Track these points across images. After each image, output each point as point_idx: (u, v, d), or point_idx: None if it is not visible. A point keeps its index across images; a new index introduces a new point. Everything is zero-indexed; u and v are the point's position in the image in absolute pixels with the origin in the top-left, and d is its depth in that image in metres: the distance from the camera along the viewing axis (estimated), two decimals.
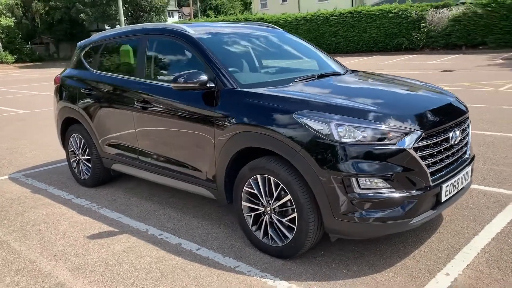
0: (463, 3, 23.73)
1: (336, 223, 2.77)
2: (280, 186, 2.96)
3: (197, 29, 3.87)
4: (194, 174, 3.62)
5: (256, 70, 4.07)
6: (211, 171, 3.46)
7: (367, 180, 2.68)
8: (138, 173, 4.25)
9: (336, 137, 2.70)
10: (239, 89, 3.30)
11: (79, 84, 4.75)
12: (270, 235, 3.12)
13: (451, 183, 2.97)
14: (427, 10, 24.38)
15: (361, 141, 2.69)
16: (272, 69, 4.21)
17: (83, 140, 4.79)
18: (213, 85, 3.36)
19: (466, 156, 3.26)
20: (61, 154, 6.37)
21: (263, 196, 3.10)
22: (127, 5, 37.00)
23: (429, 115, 2.94)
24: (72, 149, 5.00)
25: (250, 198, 3.21)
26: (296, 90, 3.31)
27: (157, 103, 3.80)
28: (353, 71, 4.19)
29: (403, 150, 2.70)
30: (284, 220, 3.00)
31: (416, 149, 2.74)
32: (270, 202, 3.07)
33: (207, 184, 3.55)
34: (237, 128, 3.15)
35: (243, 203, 3.25)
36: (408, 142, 2.72)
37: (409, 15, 24.78)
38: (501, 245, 3.14)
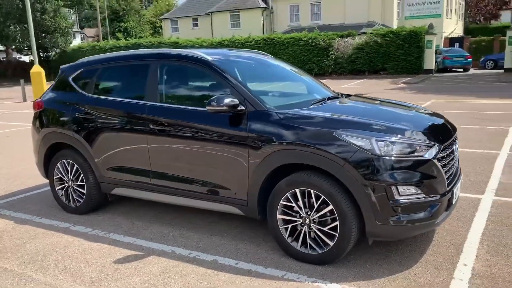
0: (364, 33, 26.21)
1: (377, 227, 3.17)
2: (322, 198, 3.29)
3: (212, 55, 4.10)
4: (222, 193, 3.80)
5: (267, 93, 4.38)
6: (242, 188, 3.67)
7: (404, 187, 3.13)
8: (149, 195, 4.29)
9: (377, 152, 3.13)
10: (272, 111, 3.59)
11: (71, 109, 4.65)
12: (309, 244, 3.41)
13: (456, 188, 3.55)
14: (333, 39, 26.49)
15: (397, 154, 3.15)
16: (279, 92, 4.52)
17: (75, 166, 4.66)
18: (243, 108, 3.62)
19: (458, 166, 3.89)
20: (26, 182, 6.05)
21: (302, 208, 3.39)
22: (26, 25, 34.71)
23: (440, 131, 3.52)
24: (60, 175, 4.83)
25: (286, 211, 3.49)
26: (324, 111, 3.70)
27: (178, 126, 3.92)
28: (346, 95, 4.67)
29: (430, 160, 3.20)
30: (325, 228, 3.33)
31: (438, 160, 3.27)
32: (309, 213, 3.38)
33: (236, 201, 3.75)
34: (275, 147, 3.43)
35: (278, 216, 3.51)
36: (433, 154, 3.23)
37: (318, 43, 26.69)
38: (492, 238, 3.77)
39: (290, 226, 3.49)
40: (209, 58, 4.02)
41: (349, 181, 3.17)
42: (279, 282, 3.20)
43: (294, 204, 3.44)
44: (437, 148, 3.29)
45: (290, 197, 3.44)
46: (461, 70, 27.18)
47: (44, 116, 4.90)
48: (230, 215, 4.25)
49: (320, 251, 3.38)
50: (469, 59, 26.39)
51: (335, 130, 3.27)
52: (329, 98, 4.24)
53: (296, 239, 3.49)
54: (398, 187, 3.12)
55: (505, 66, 23.01)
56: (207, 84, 4.12)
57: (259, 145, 3.51)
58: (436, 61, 25.82)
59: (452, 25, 34.59)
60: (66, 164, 4.74)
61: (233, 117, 3.65)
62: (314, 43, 26.77)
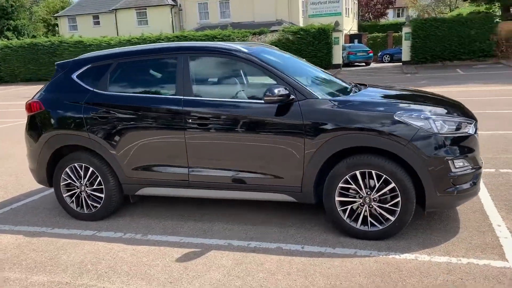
0: (276, 31, 27.12)
1: (437, 199, 3.52)
2: (383, 177, 3.54)
3: (246, 48, 4.12)
4: (274, 182, 3.87)
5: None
6: (296, 176, 3.79)
7: (457, 161, 3.51)
8: (186, 192, 4.18)
9: (435, 130, 3.47)
10: (325, 98, 3.75)
11: (82, 108, 4.33)
12: (370, 221, 3.65)
13: None
14: (247, 36, 26.99)
15: (450, 131, 3.52)
16: (311, 81, 4.55)
17: (90, 169, 4.36)
18: (293, 97, 3.73)
19: None
20: (9, 192, 5.49)
21: (363, 188, 3.62)
22: None
23: (468, 112, 3.96)
24: (68, 181, 4.47)
25: (344, 192, 3.69)
26: (366, 97, 3.95)
27: (224, 119, 3.90)
28: (361, 84, 4.91)
29: (472, 135, 3.63)
30: (386, 205, 3.59)
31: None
32: (369, 193, 3.61)
33: (289, 189, 3.86)
34: (334, 132, 3.60)
35: (337, 199, 3.70)
36: (473, 130, 3.66)
37: (232, 40, 26.98)
38: (503, 202, 4.34)
39: (349, 207, 3.69)
40: (247, 50, 4.05)
41: (412, 159, 3.47)
42: (356, 259, 3.40)
43: (353, 186, 3.64)
44: (475, 124, 3.73)
45: (349, 179, 3.64)
46: (363, 64, 29.43)
47: (45, 118, 4.49)
48: (254, 204, 4.36)
49: (381, 227, 3.63)
50: (370, 54, 28.71)
51: (394, 113, 3.54)
52: (355, 86, 4.50)
53: (355, 219, 3.70)
54: (454, 160, 3.49)
55: (403, 59, 25.42)
56: (246, 76, 4.13)
57: (316, 132, 3.65)
58: (342, 56, 27.64)
59: (350, 23, 37.22)
60: (78, 168, 4.41)
61: (284, 107, 3.74)
62: (228, 41, 26.99)
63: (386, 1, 43.75)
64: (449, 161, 3.47)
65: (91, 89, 4.38)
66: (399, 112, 3.56)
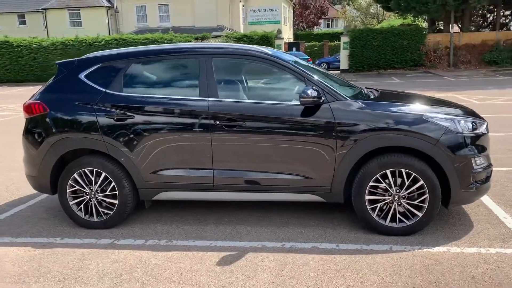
0: (219, 36, 27.15)
1: (461, 195, 3.77)
2: (412, 175, 3.74)
3: (269, 51, 4.16)
4: (304, 183, 3.92)
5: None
6: (327, 176, 3.87)
7: (477, 158, 3.79)
8: (210, 195, 4.11)
9: (460, 130, 3.73)
10: (354, 100, 3.88)
11: (94, 109, 4.10)
12: (399, 218, 3.83)
13: None
14: (190, 41, 26.73)
15: (471, 131, 3.80)
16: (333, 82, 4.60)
17: (103, 174, 4.14)
18: (324, 98, 3.83)
19: None
20: None
21: (392, 186, 3.79)
22: None
23: (475, 113, 4.28)
24: (77, 187, 4.20)
25: (373, 191, 3.83)
26: (388, 100, 4.13)
27: (254, 121, 3.89)
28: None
29: (485, 134, 3.93)
30: (415, 202, 3.78)
31: None
32: (398, 190, 3.79)
33: (319, 189, 3.93)
34: (366, 133, 3.74)
35: (366, 197, 3.84)
36: (486, 129, 3.97)
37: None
38: (498, 197, 4.72)
39: (379, 205, 3.84)
40: (271, 52, 4.08)
41: (440, 157, 3.69)
42: (395, 254, 3.54)
43: (384, 184, 3.79)
44: (486, 124, 4.04)
45: (379, 178, 3.79)
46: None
47: (50, 120, 4.19)
48: (275, 205, 4.40)
49: (409, 223, 3.82)
50: (309, 62, 29.56)
51: (423, 114, 3.75)
52: (370, 90, 4.67)
53: (384, 216, 3.85)
54: (475, 158, 3.76)
55: (341, 68, 26.51)
56: (272, 78, 4.16)
57: (348, 133, 3.77)
58: None
59: (287, 32, 38.16)
60: (89, 173, 4.16)
61: (316, 108, 3.82)
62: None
63: (319, 12, 45.45)
64: (472, 159, 3.74)
65: (103, 89, 4.17)
66: (427, 113, 3.77)
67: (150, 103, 4.06)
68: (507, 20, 28.56)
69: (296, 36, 43.30)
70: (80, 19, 32.92)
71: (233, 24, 31.74)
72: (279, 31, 26.93)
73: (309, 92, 3.68)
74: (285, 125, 3.87)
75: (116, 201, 4.17)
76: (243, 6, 32.89)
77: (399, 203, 3.82)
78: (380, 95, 4.39)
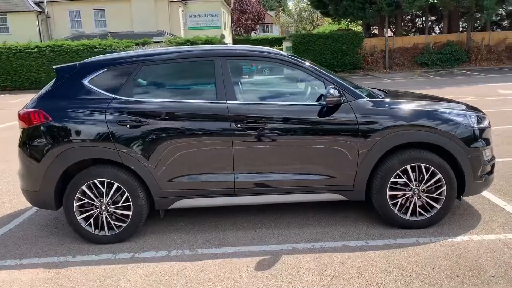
0: (162, 41, 26.62)
1: (473, 185, 3.99)
2: (431, 170, 3.90)
3: (282, 52, 4.16)
4: (326, 182, 3.95)
5: None
6: (349, 174, 3.93)
7: (485, 150, 4.04)
8: (231, 200, 4.01)
9: (471, 124, 3.95)
10: (375, 100, 3.98)
11: (104, 116, 3.87)
12: (419, 211, 3.97)
13: None
14: (131, 47, 25.95)
15: (479, 125, 4.03)
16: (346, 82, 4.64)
17: (115, 185, 3.91)
18: (344, 98, 3.90)
19: None
20: None
21: (413, 181, 3.93)
22: None
23: (475, 108, 4.55)
24: (85, 201, 3.93)
25: (393, 187, 3.95)
26: (403, 97, 4.26)
27: (277, 122, 3.87)
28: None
29: (489, 127, 4.19)
30: (434, 195, 3.95)
31: None
32: (418, 185, 3.94)
33: (341, 188, 3.98)
34: (388, 130, 3.84)
35: (388, 193, 3.95)
36: (488, 123, 4.23)
37: (114, 50, 25.68)
38: (491, 187, 5.03)
39: (399, 200, 3.96)
40: (286, 54, 4.09)
41: (456, 150, 3.88)
42: (425, 246, 3.67)
43: (404, 180, 3.92)
44: (487, 118, 4.31)
45: (400, 174, 3.91)
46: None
47: (54, 129, 3.89)
48: (286, 208, 4.44)
49: (428, 215, 3.98)
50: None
51: (438, 110, 3.93)
52: (379, 90, 4.79)
53: (405, 211, 3.98)
54: (485, 150, 4.00)
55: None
56: (288, 79, 4.15)
57: (369, 131, 3.85)
58: None
59: (227, 37, 38.23)
60: (99, 185, 3.91)
61: (337, 108, 3.87)
62: (110, 51, 25.61)
63: (256, 17, 46.02)
64: (482, 151, 3.98)
65: (111, 95, 3.94)
66: (441, 109, 3.96)
67: (166, 108, 3.89)
68: (434, 25, 30.59)
69: (234, 41, 43.49)
70: (6, 24, 30.74)
71: (173, 29, 31.24)
72: (223, 36, 26.95)
73: (333, 92, 3.73)
74: (307, 125, 3.88)
75: (129, 213, 3.95)
76: (183, 11, 32.51)
77: (419, 197, 3.95)
78: (389, 95, 4.53)
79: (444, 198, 3.94)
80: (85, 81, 4.00)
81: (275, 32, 59.59)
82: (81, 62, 4.17)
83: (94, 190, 3.92)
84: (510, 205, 4.47)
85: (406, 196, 3.96)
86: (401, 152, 3.90)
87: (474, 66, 25.25)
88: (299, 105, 3.97)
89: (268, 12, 55.20)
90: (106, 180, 3.89)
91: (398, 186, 3.95)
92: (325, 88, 3.92)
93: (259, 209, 4.57)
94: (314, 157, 3.92)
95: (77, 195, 3.91)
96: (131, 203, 3.93)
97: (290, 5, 52.56)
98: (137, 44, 26.50)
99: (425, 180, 3.92)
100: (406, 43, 26.79)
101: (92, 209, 3.95)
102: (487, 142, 4.06)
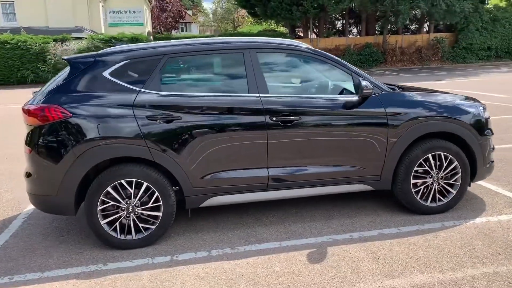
0: (84, 38, 25.12)
1: (483, 171, 4.32)
2: (449, 158, 4.16)
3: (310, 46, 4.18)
4: (357, 173, 4.04)
5: None
6: (377, 165, 4.06)
7: (491, 139, 4.40)
8: (263, 196, 3.94)
9: (482, 115, 4.28)
10: (399, 92, 4.15)
11: (131, 111, 3.60)
12: (438, 197, 4.22)
13: None
14: (48, 43, 24.19)
15: (486, 115, 4.38)
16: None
17: (144, 185, 3.65)
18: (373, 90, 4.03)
19: None
20: None
21: (433, 169, 4.16)
22: None
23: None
24: (111, 203, 3.63)
25: (417, 175, 4.15)
26: (423, 91, 4.47)
27: (311, 115, 3.87)
28: None
29: (489, 118, 4.57)
30: (451, 181, 4.22)
31: None
32: (438, 172, 4.18)
33: (369, 178, 4.09)
34: (414, 121, 4.03)
35: (412, 181, 4.14)
36: (488, 113, 4.61)
37: (30, 47, 23.78)
38: None
39: (422, 187, 4.17)
40: (312, 47, 4.11)
41: (470, 139, 4.18)
42: (453, 229, 3.90)
43: (426, 168, 4.13)
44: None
45: (423, 162, 4.13)
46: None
47: (75, 127, 3.53)
48: (303, 200, 4.52)
49: (445, 201, 4.24)
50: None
51: (455, 101, 4.21)
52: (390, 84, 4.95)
53: (426, 198, 4.20)
54: (490, 138, 4.36)
55: None
56: (314, 72, 4.17)
57: (397, 122, 4.01)
58: None
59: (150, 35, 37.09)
60: (127, 185, 3.63)
61: (365, 100, 3.98)
62: (25, 47, 23.63)
63: (177, 16, 45.17)
64: (489, 139, 4.33)
65: (137, 88, 3.68)
66: (457, 101, 4.24)
67: (198, 102, 3.72)
68: (352, 28, 32.35)
69: (155, 39, 42.32)
70: None
71: (93, 26, 29.61)
72: (149, 33, 26.13)
73: (367, 84, 3.83)
74: (340, 117, 3.94)
75: (159, 214, 3.71)
76: (103, 6, 30.94)
77: (438, 184, 4.20)
78: (403, 89, 4.73)
79: (459, 184, 4.21)
80: (106, 74, 3.68)
81: (194, 31, 59.05)
82: (98, 53, 3.83)
83: (121, 191, 3.63)
84: (500, 188, 4.90)
85: (426, 184, 4.17)
86: (423, 141, 4.10)
87: (390, 67, 27.16)
88: (331, 98, 4.01)
89: (186, 10, 54.46)
90: (134, 180, 3.62)
91: (420, 174, 4.15)
92: (352, 81, 4.00)
93: (274, 204, 4.52)
94: (346, 149, 3.98)
95: (101, 197, 3.59)
96: (161, 203, 3.70)
97: (205, 5, 52.52)
98: (55, 40, 24.79)
99: (444, 167, 4.16)
100: (329, 44, 28.02)
101: (118, 212, 3.65)
102: (492, 131, 4.41)
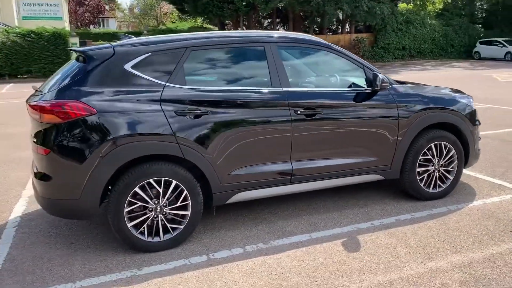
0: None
1: (473, 157, 4.71)
2: (448, 147, 4.48)
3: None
4: (371, 164, 4.19)
5: None
6: (389, 155, 4.26)
7: (479, 128, 4.80)
8: (287, 189, 3.95)
9: (472, 105, 4.66)
10: (403, 86, 4.37)
11: (159, 107, 3.43)
12: (439, 184, 4.53)
13: None
14: None
15: (473, 106, 4.77)
16: None
17: (173, 183, 3.50)
18: None
19: None
20: None
21: (435, 157, 4.46)
22: None
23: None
24: (138, 204, 3.43)
25: (421, 163, 4.42)
26: (422, 85, 4.73)
27: (332, 108, 3.96)
28: None
29: None
30: (449, 168, 4.55)
31: None
32: (438, 160, 4.49)
33: (381, 168, 4.27)
34: (421, 113, 4.27)
35: (417, 169, 4.41)
36: None
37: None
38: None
39: (425, 175, 4.45)
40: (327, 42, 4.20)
41: (464, 128, 4.53)
42: (459, 212, 4.20)
43: (429, 157, 4.41)
44: None
45: (426, 151, 4.40)
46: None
47: (101, 123, 3.28)
48: (308, 193, 4.57)
49: (444, 187, 4.55)
50: None
51: (452, 94, 4.53)
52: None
53: (428, 185, 4.49)
54: (478, 128, 4.76)
55: None
56: (333, 65, 4.26)
57: (406, 113, 4.22)
58: None
59: (67, 28, 34.84)
60: (155, 185, 3.45)
61: (378, 93, 4.15)
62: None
63: (95, 11, 42.99)
64: (477, 128, 4.72)
65: (162, 82, 3.51)
66: (453, 93, 4.56)
67: (225, 96, 3.63)
68: (279, 27, 33.06)
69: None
70: None
71: (5, 18, 27.23)
72: (73, 28, 24.57)
73: (383, 77, 4.00)
74: (357, 110, 4.06)
75: (187, 213, 3.58)
76: None
77: (438, 171, 4.50)
78: (404, 83, 4.97)
79: (455, 170, 4.55)
80: (128, 67, 3.46)
81: (112, 26, 56.62)
82: (116, 44, 3.58)
83: (149, 191, 3.44)
84: (478, 174, 5.36)
85: (429, 172, 4.45)
86: (427, 132, 4.37)
87: None
88: (349, 91, 4.12)
89: (105, 5, 52.07)
90: (163, 179, 3.45)
91: (423, 163, 4.41)
92: (365, 75, 4.15)
93: (283, 198, 4.54)
94: (363, 140, 4.12)
95: (128, 198, 3.37)
96: (189, 201, 3.56)
97: (119, 1, 50.70)
98: None
99: (443, 156, 4.47)
100: None
101: (145, 213, 3.46)
102: (479, 121, 4.81)
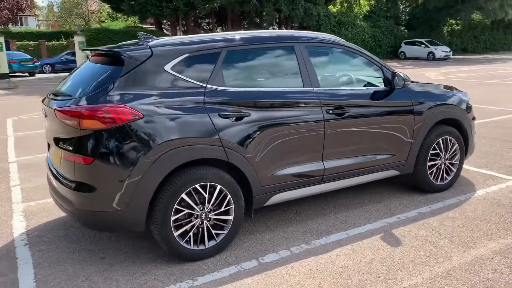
0: None
1: (471, 148, 5.03)
2: (452, 141, 4.76)
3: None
4: (390, 160, 4.32)
5: None
6: (405, 150, 4.43)
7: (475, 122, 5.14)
8: (319, 189, 3.96)
9: (469, 101, 4.98)
10: (415, 84, 4.57)
11: (204, 110, 3.31)
12: (444, 176, 4.79)
13: None
14: None
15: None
16: None
17: (218, 187, 3.39)
18: None
19: None
20: None
21: (442, 151, 4.72)
22: None
23: None
24: (185, 211, 3.28)
25: (431, 157, 4.65)
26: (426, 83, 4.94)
27: (360, 107, 4.04)
28: None
29: None
30: (453, 161, 4.83)
31: None
32: (445, 154, 4.75)
33: (397, 164, 4.43)
34: (432, 109, 4.48)
35: (428, 163, 4.63)
36: None
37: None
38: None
39: (434, 168, 4.69)
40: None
41: (466, 123, 4.83)
42: (470, 202, 4.45)
43: (437, 151, 4.65)
44: None
45: (435, 146, 4.64)
46: (27, 74, 26.44)
47: (148, 128, 3.08)
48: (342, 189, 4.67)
49: (449, 179, 4.83)
50: (36, 63, 26.14)
51: (452, 91, 4.82)
52: None
53: (436, 178, 4.73)
54: (474, 122, 5.09)
55: None
56: (353, 65, 4.32)
57: (420, 110, 4.42)
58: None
59: None
60: (201, 190, 3.32)
61: (390, 91, 4.30)
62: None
63: (15, 8, 39.88)
64: (474, 123, 5.06)
65: (203, 84, 3.39)
66: (455, 91, 4.85)
67: (264, 97, 3.58)
68: (217, 27, 32.95)
69: None
70: None
71: None
72: None
73: (404, 76, 4.15)
74: (380, 108, 4.18)
75: (230, 217, 3.48)
76: None
77: (444, 164, 4.76)
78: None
79: (458, 163, 4.84)
80: (168, 68, 3.29)
81: (31, 25, 53.12)
82: (151, 45, 3.38)
83: (195, 197, 3.30)
84: (467, 166, 5.70)
85: (437, 165, 4.70)
86: (436, 128, 4.60)
87: None
88: (373, 90, 4.21)
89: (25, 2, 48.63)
90: (208, 184, 3.33)
91: (432, 157, 4.65)
92: (382, 74, 4.29)
93: (299, 199, 4.53)
94: (385, 137, 4.25)
95: (175, 206, 3.21)
96: (232, 206, 3.47)
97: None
98: None
99: (449, 149, 4.74)
100: None
101: (191, 221, 3.32)
102: (475, 116, 5.15)
